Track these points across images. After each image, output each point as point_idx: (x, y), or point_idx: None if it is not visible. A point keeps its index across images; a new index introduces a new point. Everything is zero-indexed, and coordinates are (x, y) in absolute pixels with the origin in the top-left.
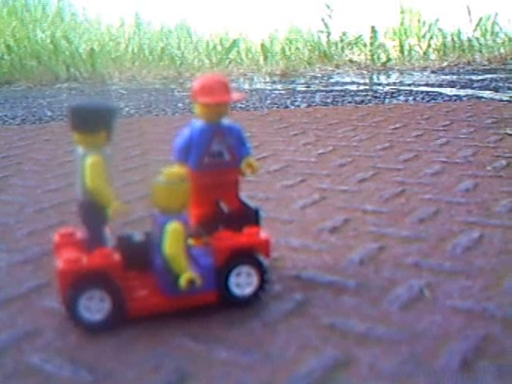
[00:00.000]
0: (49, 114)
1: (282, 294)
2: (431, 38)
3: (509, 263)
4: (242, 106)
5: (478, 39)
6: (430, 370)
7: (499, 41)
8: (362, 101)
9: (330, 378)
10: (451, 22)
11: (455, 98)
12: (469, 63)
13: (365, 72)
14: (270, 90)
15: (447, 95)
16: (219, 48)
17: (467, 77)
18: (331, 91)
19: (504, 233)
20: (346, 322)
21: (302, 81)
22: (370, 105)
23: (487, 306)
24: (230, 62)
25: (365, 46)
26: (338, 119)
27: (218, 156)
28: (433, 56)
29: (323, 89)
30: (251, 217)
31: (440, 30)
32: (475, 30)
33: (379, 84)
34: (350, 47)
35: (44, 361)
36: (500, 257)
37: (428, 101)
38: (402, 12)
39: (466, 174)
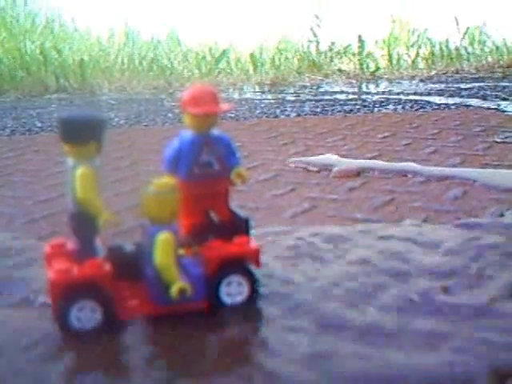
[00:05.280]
0: (38, 124)
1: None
2: (419, 47)
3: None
4: (232, 115)
5: (465, 48)
6: None
7: (487, 50)
8: (351, 110)
9: None
10: (440, 31)
11: (444, 106)
12: (457, 72)
13: (354, 81)
14: (260, 100)
15: (436, 104)
16: (209, 58)
17: (455, 85)
18: (320, 100)
19: None
20: None
21: (292, 90)
22: (359, 114)
23: None
24: (219, 72)
25: (354, 55)
26: (327, 128)
27: (207, 166)
28: (421, 65)
29: (312, 98)
30: (241, 226)
31: (428, 39)
32: (463, 39)
33: (368, 93)
34: (338, 57)
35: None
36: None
37: (417, 109)
38: (393, 21)
39: (455, 182)
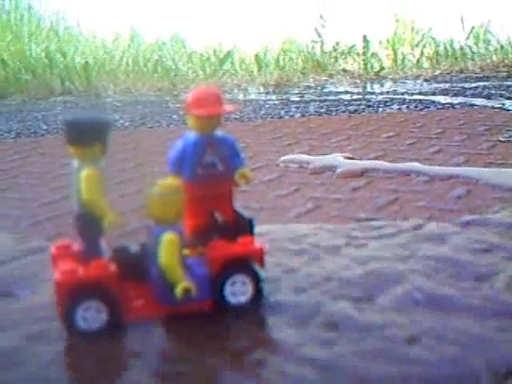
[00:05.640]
0: (44, 127)
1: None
2: (424, 46)
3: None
4: (237, 116)
5: (470, 47)
6: None
7: (491, 49)
8: (356, 110)
9: None
10: (444, 30)
11: (448, 105)
12: (461, 71)
13: (358, 81)
14: (264, 101)
15: (440, 103)
16: (213, 59)
17: (460, 85)
18: (325, 101)
19: None
20: None
21: (296, 91)
22: (363, 114)
23: None
24: (223, 73)
25: (358, 55)
26: (332, 129)
27: (211, 167)
28: (426, 64)
29: (317, 99)
30: (245, 226)
31: (433, 38)
32: (467, 38)
33: (372, 93)
34: (343, 57)
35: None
36: None
37: (421, 109)
38: (397, 21)
39: (459, 181)
